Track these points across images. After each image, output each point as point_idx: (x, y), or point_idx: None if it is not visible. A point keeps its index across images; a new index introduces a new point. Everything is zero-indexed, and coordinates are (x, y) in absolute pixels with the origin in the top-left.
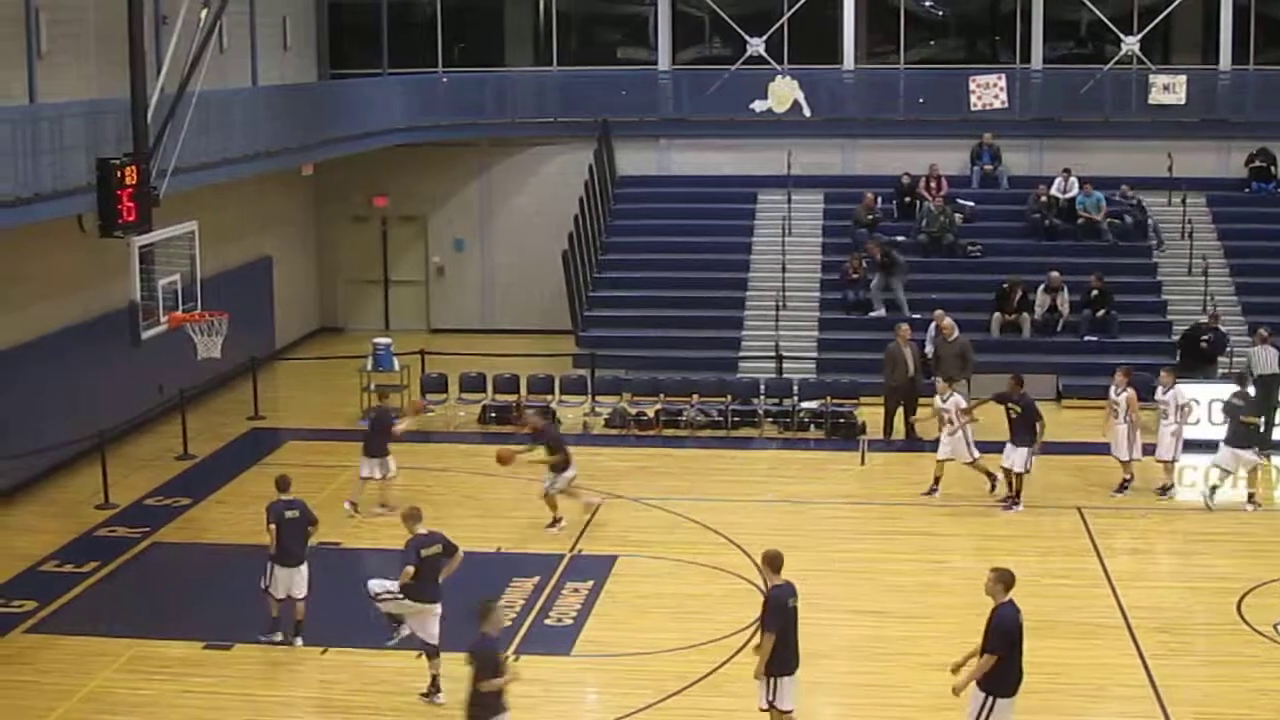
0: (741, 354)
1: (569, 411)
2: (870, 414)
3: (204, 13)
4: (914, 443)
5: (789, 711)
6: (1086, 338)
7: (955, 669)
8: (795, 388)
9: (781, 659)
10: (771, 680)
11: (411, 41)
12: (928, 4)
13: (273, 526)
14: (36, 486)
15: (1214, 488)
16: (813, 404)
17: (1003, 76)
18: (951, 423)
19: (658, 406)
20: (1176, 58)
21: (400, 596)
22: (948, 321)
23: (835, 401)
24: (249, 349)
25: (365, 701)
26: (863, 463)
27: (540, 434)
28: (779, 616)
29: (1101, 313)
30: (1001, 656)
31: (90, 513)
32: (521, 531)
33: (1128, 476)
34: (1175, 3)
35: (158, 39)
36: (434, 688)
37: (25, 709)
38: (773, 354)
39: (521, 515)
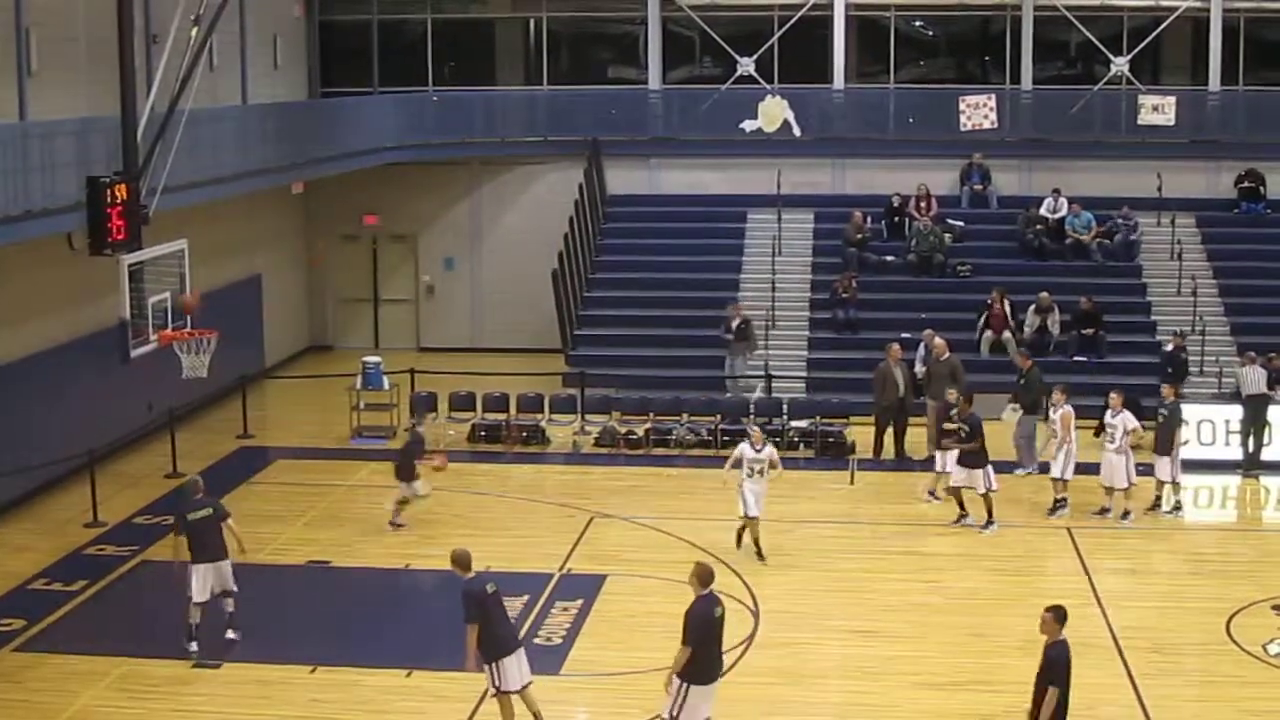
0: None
1: (559, 430)
2: (860, 433)
3: (194, 31)
4: (904, 462)
5: (511, 691)
6: (1076, 357)
7: None
8: (785, 407)
9: (489, 645)
10: (492, 665)
11: (402, 60)
12: (918, 24)
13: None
14: (25, 504)
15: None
16: (802, 423)
17: (992, 97)
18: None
19: (647, 425)
20: (1166, 78)
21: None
22: (939, 341)
23: (825, 421)
24: (238, 367)
25: None
26: (852, 482)
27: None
28: (474, 606)
29: (1090, 332)
30: (696, 649)
31: (79, 531)
32: (511, 550)
33: (1058, 498)
34: (1164, 24)
35: (148, 57)
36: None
37: None
38: (762, 373)
39: (511, 534)
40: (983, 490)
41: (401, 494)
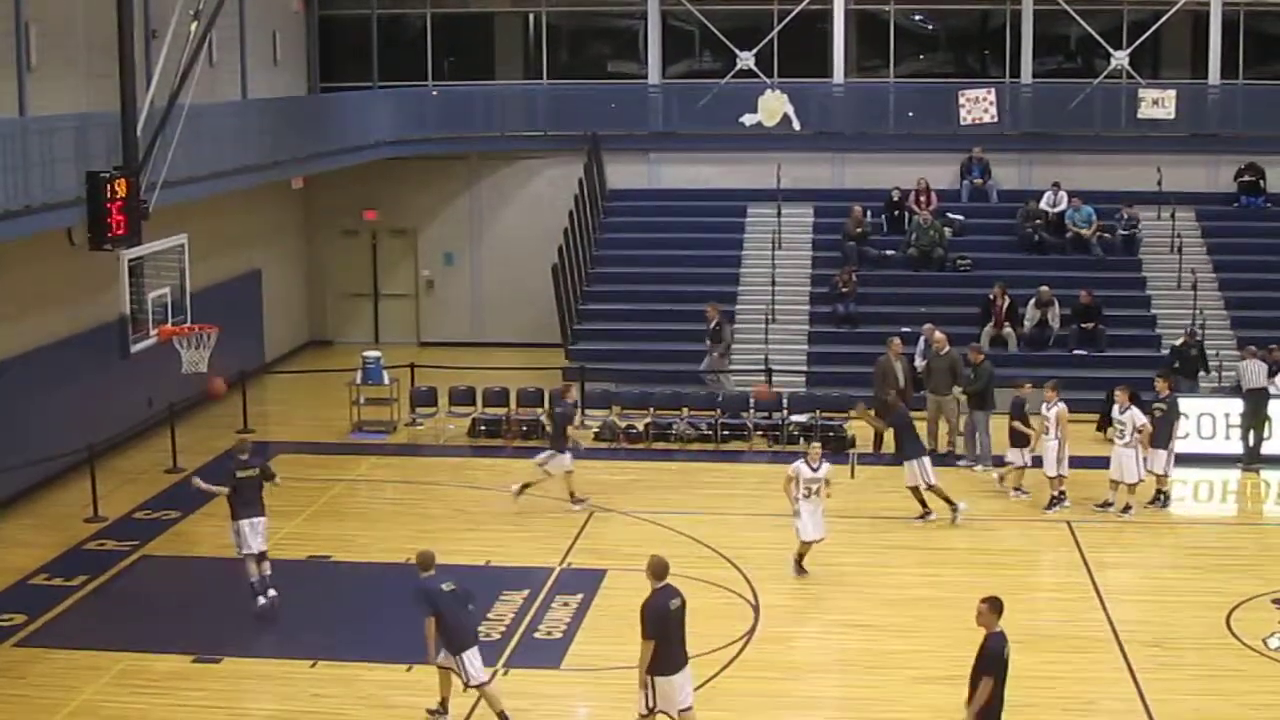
0: (731, 367)
1: None
2: (860, 428)
3: (194, 26)
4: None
5: (484, 684)
6: (1075, 351)
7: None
8: (785, 401)
9: (451, 640)
10: (459, 659)
11: (401, 55)
12: (917, 18)
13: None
14: (25, 499)
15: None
16: (802, 417)
17: (992, 90)
18: None
19: (647, 420)
20: (1166, 72)
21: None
22: (939, 335)
23: (825, 415)
24: (238, 362)
25: (356, 715)
26: (853, 476)
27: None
28: (426, 602)
29: (1090, 326)
30: (656, 641)
31: (79, 526)
32: (511, 545)
33: (1055, 493)
34: (1165, 17)
35: (148, 52)
36: (262, 586)
37: None
38: (762, 367)
39: (511, 529)
40: (921, 484)
41: (545, 467)
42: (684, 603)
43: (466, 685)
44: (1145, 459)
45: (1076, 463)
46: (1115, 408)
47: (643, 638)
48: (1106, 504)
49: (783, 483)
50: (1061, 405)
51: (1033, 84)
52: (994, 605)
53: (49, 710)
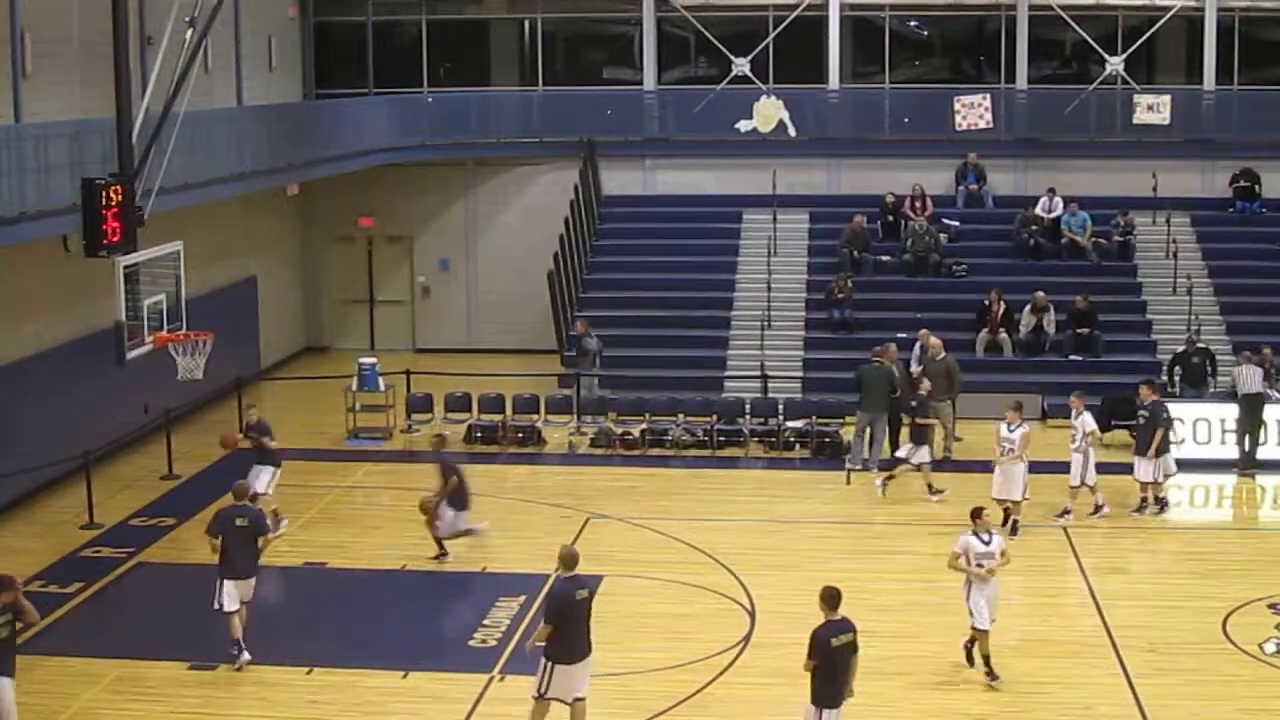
0: (727, 373)
1: (555, 431)
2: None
3: (189, 33)
4: (899, 462)
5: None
6: (1071, 357)
7: None
8: (780, 407)
9: (225, 567)
10: (219, 582)
11: (397, 61)
12: (913, 24)
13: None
14: (21, 506)
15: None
16: (798, 423)
17: (987, 96)
18: None
19: (643, 426)
20: (1161, 78)
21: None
22: (935, 340)
23: (820, 421)
24: (234, 369)
25: None
26: (848, 482)
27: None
28: (217, 526)
29: (1085, 331)
30: (555, 626)
31: (75, 533)
32: (507, 551)
33: (1016, 516)
34: (1159, 23)
35: (143, 59)
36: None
37: None
38: (758, 373)
39: (507, 535)
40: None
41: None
42: (591, 595)
43: (218, 607)
44: (1091, 465)
45: (1068, 469)
46: (1072, 413)
47: (544, 622)
48: (1098, 508)
49: (949, 560)
50: (1025, 426)
51: (1028, 90)
52: (825, 596)
53: (45, 717)
